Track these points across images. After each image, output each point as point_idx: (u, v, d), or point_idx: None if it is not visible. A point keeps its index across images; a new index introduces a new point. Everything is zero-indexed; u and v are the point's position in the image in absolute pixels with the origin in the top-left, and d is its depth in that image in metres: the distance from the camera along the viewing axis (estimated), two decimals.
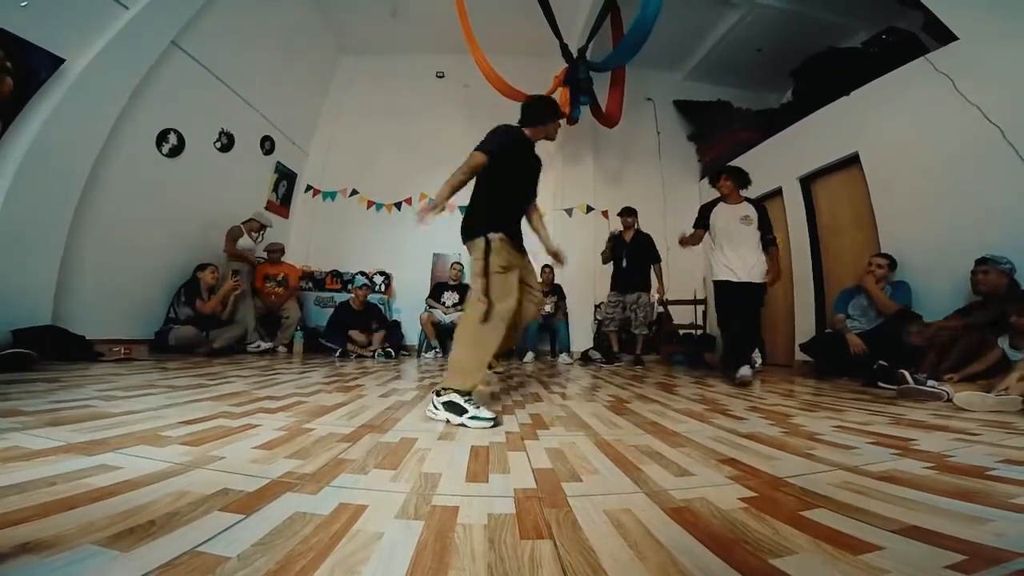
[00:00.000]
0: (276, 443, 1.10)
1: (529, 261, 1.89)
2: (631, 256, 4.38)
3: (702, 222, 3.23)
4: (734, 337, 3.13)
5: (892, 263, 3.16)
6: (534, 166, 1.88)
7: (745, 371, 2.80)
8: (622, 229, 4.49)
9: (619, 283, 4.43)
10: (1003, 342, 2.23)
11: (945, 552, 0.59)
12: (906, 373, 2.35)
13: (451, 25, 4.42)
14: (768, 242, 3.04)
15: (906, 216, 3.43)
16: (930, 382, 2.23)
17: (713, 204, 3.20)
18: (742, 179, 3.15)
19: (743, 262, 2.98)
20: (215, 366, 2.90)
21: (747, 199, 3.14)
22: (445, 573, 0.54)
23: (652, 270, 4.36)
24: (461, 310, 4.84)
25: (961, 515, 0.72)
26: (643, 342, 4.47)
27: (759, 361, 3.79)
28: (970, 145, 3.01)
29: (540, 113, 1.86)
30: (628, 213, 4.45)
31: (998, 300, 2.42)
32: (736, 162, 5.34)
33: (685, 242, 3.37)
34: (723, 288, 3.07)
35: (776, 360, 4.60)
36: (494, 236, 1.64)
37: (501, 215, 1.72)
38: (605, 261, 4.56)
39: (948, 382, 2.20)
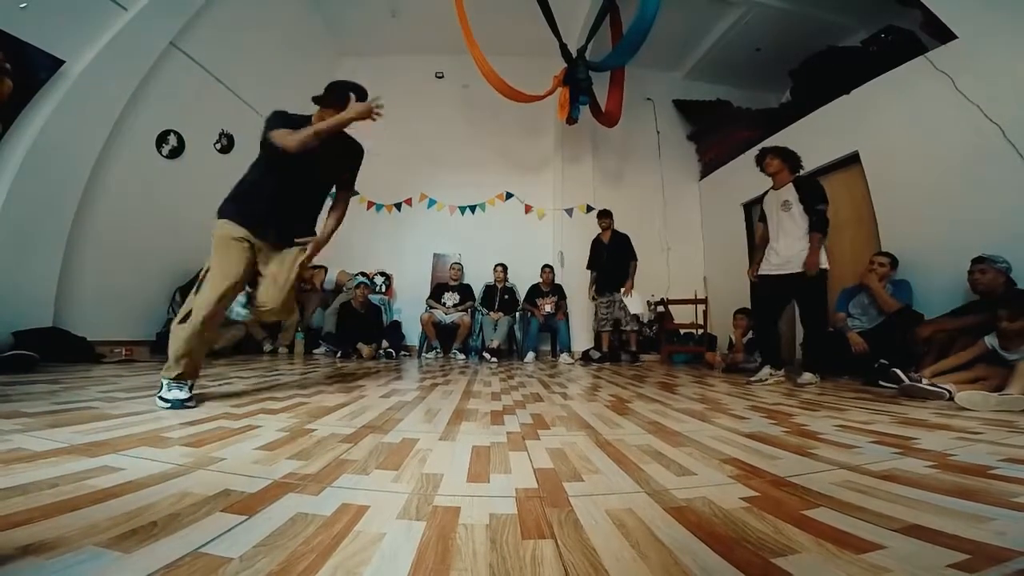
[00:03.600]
0: (278, 444, 1.10)
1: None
2: (612, 256, 4.66)
3: (761, 214, 2.97)
4: (766, 335, 3.02)
5: (894, 261, 3.16)
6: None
7: (807, 377, 2.63)
8: (600, 231, 4.78)
9: (604, 283, 4.70)
10: (991, 340, 2.23)
11: (947, 551, 0.59)
12: (898, 372, 2.36)
13: (451, 25, 4.41)
14: (812, 224, 2.66)
15: (906, 215, 3.42)
16: (924, 381, 2.23)
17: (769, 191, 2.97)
18: (792, 159, 2.83)
19: (778, 254, 2.78)
20: (216, 367, 2.90)
21: (796, 177, 2.82)
22: (447, 574, 0.54)
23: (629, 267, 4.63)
24: (463, 310, 4.86)
25: (963, 514, 0.72)
26: (636, 338, 4.58)
27: (758, 361, 3.78)
28: (970, 144, 3.01)
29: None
30: (605, 215, 4.79)
31: (996, 299, 2.42)
32: (736, 161, 5.37)
33: (753, 270, 3.09)
34: (760, 281, 2.92)
35: None
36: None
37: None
38: (590, 266, 4.90)
39: (927, 378, 2.22)
